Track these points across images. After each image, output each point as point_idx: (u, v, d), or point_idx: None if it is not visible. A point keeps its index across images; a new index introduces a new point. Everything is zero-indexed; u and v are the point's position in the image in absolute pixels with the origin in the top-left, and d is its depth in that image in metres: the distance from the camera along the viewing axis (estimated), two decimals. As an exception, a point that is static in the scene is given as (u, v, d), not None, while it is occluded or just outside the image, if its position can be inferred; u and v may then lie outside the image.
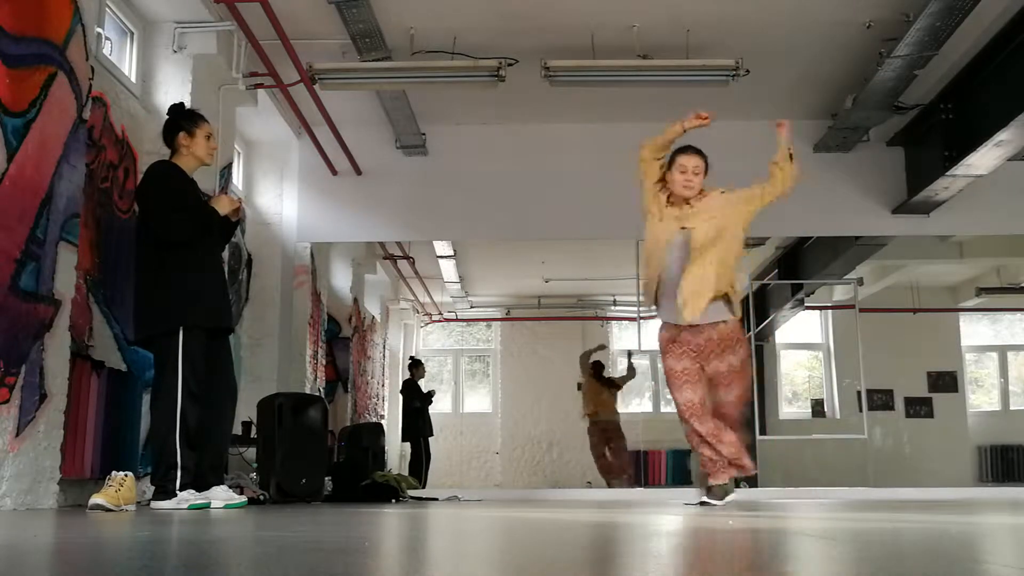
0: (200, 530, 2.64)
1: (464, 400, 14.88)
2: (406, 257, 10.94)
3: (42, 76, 3.89)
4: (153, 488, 4.23)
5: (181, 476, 4.08)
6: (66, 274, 4.02)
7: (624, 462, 11.11)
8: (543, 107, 7.64)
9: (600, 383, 11.14)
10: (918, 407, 13.47)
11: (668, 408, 13.53)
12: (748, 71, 6.18)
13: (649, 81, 6.45)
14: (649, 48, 6.32)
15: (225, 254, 4.80)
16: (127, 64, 5.48)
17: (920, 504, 5.21)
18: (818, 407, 13.68)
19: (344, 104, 7.30)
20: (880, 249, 9.27)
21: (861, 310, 11.02)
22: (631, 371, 11.56)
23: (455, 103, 7.61)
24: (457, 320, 14.78)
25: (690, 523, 3.06)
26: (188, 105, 4.76)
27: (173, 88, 5.57)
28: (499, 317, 14.57)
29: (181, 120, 4.46)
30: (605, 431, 11.00)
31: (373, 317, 11.93)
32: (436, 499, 6.36)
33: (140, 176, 4.86)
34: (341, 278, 9.98)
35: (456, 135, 8.05)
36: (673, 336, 4.66)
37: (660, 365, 5.14)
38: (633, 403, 13.72)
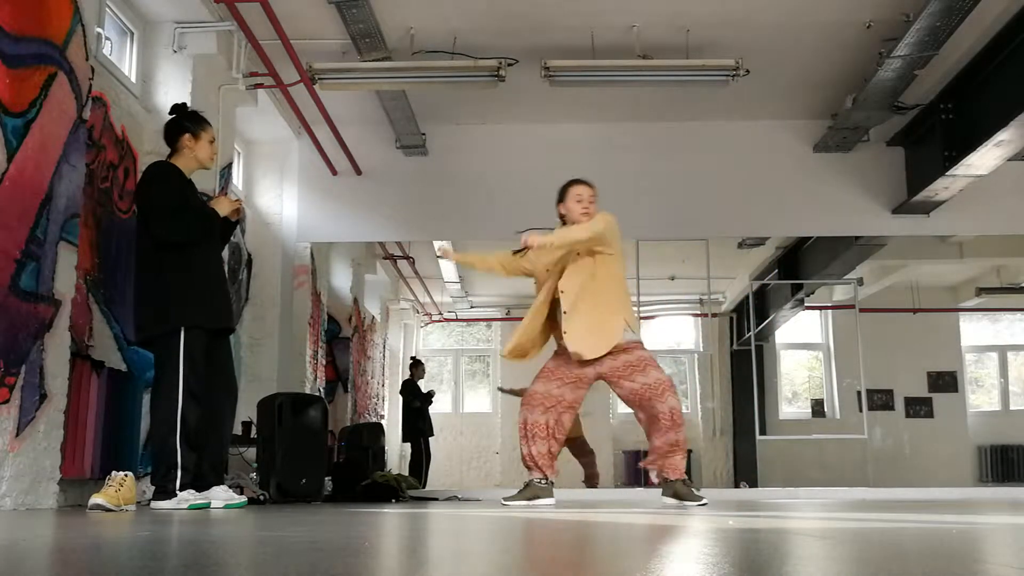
0: (200, 530, 2.64)
1: (464, 400, 14.88)
2: (406, 257, 10.93)
3: (42, 76, 3.89)
4: (153, 488, 4.23)
5: (181, 476, 4.08)
6: (66, 274, 4.02)
7: (594, 471, 10.71)
8: (543, 107, 7.64)
9: None
10: (918, 407, 13.48)
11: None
12: (748, 71, 6.19)
13: (649, 81, 6.46)
14: (649, 48, 6.32)
15: (225, 254, 4.80)
16: (127, 64, 5.48)
17: (920, 504, 5.21)
18: (818, 407, 13.69)
19: (344, 104, 7.30)
20: (880, 249, 9.26)
21: (861, 310, 11.02)
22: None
23: (455, 103, 7.61)
24: (457, 320, 14.78)
25: (691, 523, 3.05)
26: (189, 105, 4.75)
27: (173, 88, 5.57)
28: (499, 317, 14.57)
29: (186, 122, 4.46)
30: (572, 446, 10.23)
31: (373, 317, 11.92)
32: (436, 499, 6.36)
33: (140, 176, 4.86)
34: (341, 278, 9.98)
35: (456, 135, 8.05)
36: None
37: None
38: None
